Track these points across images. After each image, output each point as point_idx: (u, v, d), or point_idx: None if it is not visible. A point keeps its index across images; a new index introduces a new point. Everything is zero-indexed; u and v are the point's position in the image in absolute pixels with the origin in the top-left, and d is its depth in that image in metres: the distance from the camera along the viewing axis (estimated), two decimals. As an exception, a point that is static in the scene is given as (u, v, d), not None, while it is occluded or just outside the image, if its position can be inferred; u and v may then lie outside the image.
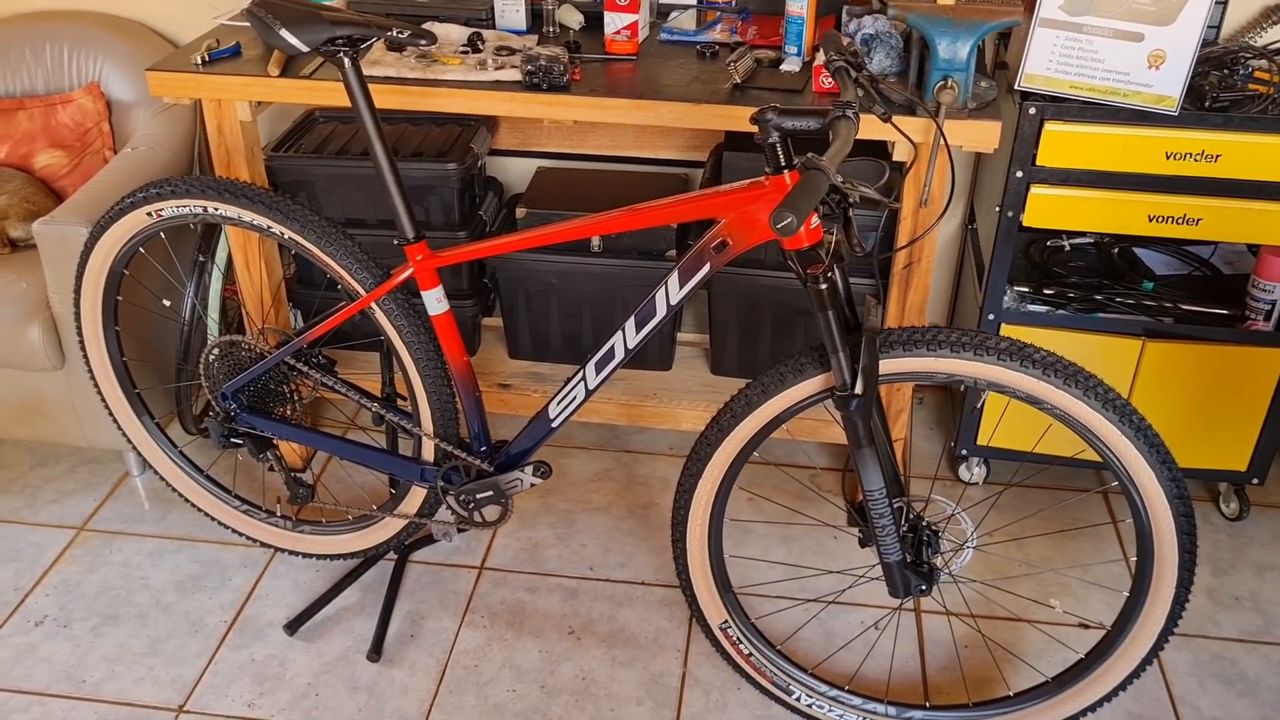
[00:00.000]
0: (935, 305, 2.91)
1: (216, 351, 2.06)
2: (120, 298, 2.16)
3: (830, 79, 2.05)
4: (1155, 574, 1.74)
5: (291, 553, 2.32)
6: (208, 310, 2.37)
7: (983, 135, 1.98)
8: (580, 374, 1.85)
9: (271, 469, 2.16)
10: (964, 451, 2.53)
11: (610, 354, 1.81)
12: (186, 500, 2.35)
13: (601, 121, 2.09)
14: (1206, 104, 2.10)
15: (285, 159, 2.41)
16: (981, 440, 2.49)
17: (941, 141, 1.93)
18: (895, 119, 1.93)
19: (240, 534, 2.34)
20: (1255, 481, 2.45)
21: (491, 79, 2.09)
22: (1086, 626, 2.23)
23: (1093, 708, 1.87)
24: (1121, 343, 2.33)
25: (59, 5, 2.78)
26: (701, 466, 1.82)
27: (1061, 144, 2.14)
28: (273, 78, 2.11)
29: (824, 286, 1.56)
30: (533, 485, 1.96)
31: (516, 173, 2.80)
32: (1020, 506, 2.54)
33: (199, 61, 2.16)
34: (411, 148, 2.45)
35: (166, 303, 2.28)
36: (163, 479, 2.34)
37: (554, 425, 1.92)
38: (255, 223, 1.93)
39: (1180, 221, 2.18)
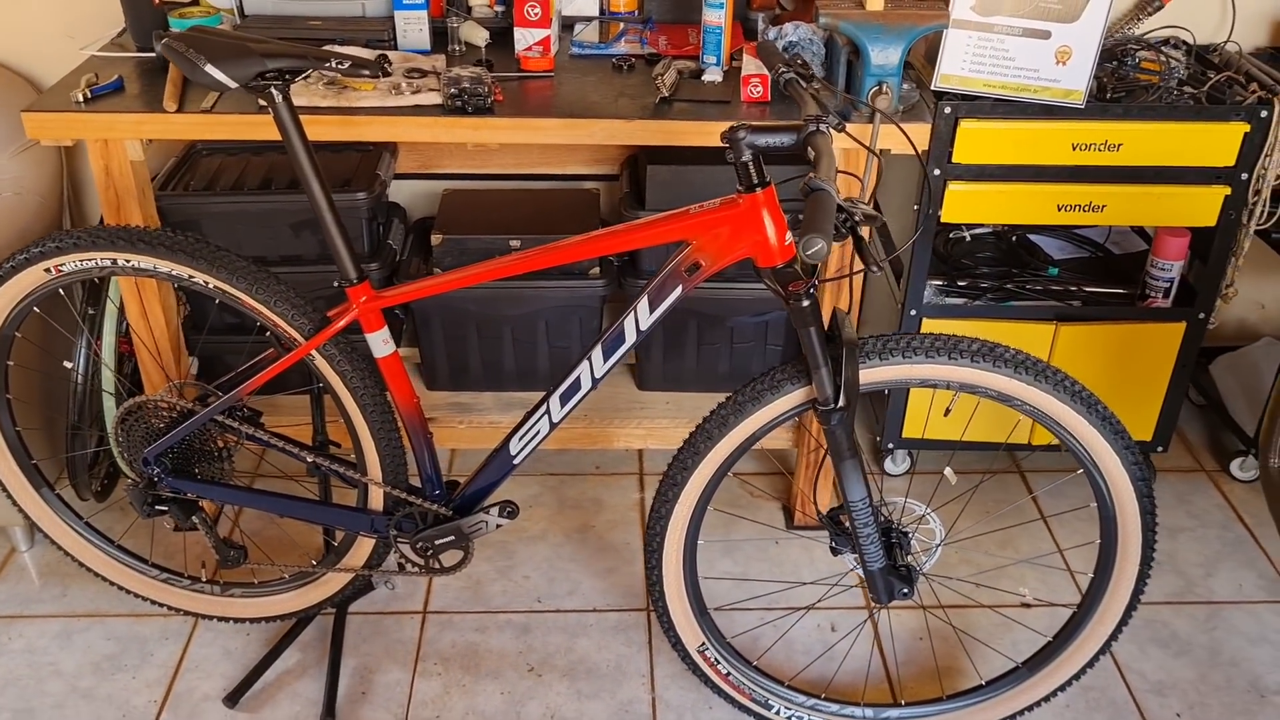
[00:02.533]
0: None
1: (130, 414, 1.90)
2: (11, 363, 1.96)
3: (758, 88, 2.04)
4: (1120, 553, 1.80)
5: (222, 619, 2.17)
6: (103, 368, 2.19)
7: (915, 137, 2.00)
8: (544, 407, 1.79)
9: (198, 533, 2.01)
10: (890, 445, 2.57)
11: (576, 385, 1.75)
12: (96, 574, 2.16)
13: (530, 143, 2.02)
14: (1107, 95, 2.19)
15: (179, 198, 2.25)
16: (906, 433, 2.54)
17: (875, 145, 1.94)
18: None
19: (161, 605, 2.17)
20: (1160, 449, 2.58)
21: (411, 104, 2.00)
22: (1028, 607, 2.31)
23: (1062, 687, 1.93)
24: (1035, 328, 2.41)
25: (-114, 40, 2.51)
26: (677, 491, 1.78)
27: (975, 140, 2.19)
28: (170, 113, 1.95)
29: (806, 304, 1.55)
30: (499, 526, 1.88)
31: (417, 196, 2.69)
32: (980, 501, 2.60)
33: (80, 99, 1.98)
34: (311, 178, 2.32)
35: (68, 364, 2.08)
36: (67, 554, 2.15)
37: (515, 462, 1.85)
38: (173, 273, 1.78)
39: (1087, 209, 2.27)
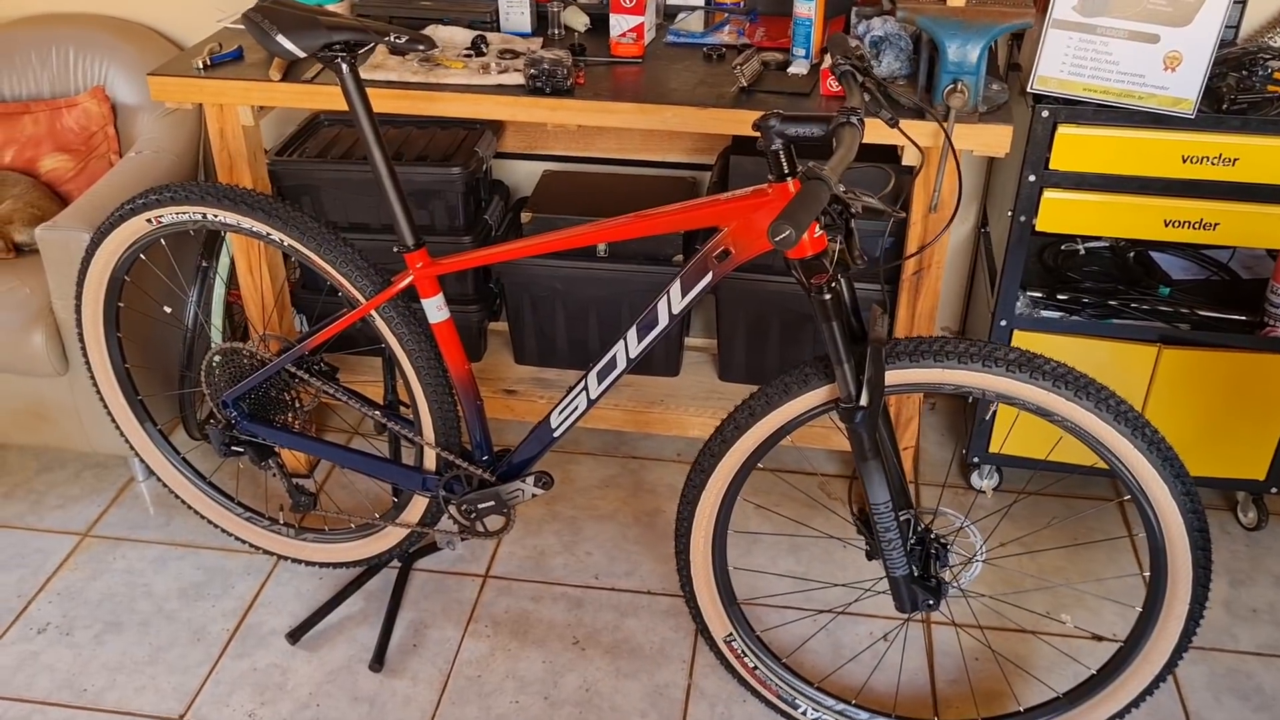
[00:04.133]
0: (949, 311, 2.87)
1: (218, 359, 2.05)
2: (122, 304, 2.14)
3: (837, 82, 2.01)
4: (1169, 588, 1.70)
5: (295, 560, 2.31)
6: (211, 316, 2.36)
7: (993, 139, 1.94)
8: (582, 383, 1.82)
9: (274, 476, 2.14)
10: (975, 459, 2.49)
11: (612, 363, 1.78)
12: (190, 507, 2.33)
13: (605, 126, 2.06)
14: (1224, 106, 2.05)
15: (288, 164, 2.40)
16: (994, 448, 2.45)
17: (949, 147, 1.89)
18: (903, 123, 1.90)
19: (244, 541, 2.33)
20: (1274, 490, 2.40)
21: (494, 83, 2.07)
22: (1100, 639, 2.19)
23: (1104, 724, 1.84)
24: (1136, 349, 2.29)
25: (64, 8, 2.77)
26: (705, 478, 1.79)
27: (1075, 147, 2.09)
28: (274, 82, 2.09)
29: (828, 297, 1.53)
30: (534, 496, 1.93)
31: (523, 176, 2.78)
32: (1033, 517, 2.50)
33: (200, 66, 2.14)
34: (416, 151, 2.43)
35: (168, 309, 2.26)
36: (166, 486, 2.33)
37: (555, 435, 1.89)
38: (254, 229, 1.91)
39: (1197, 226, 2.14)
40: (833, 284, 1.53)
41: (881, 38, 2.03)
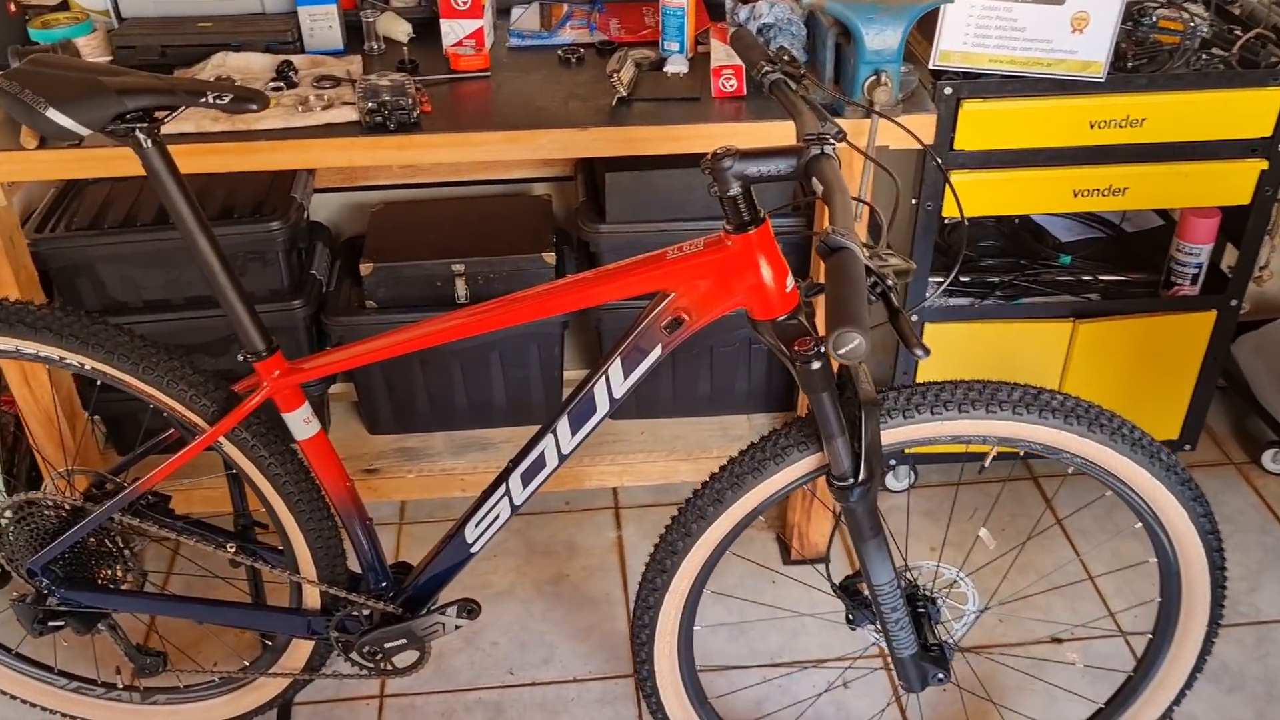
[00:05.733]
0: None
1: (9, 515, 1.59)
2: None
3: (732, 81, 1.73)
4: (1184, 613, 1.55)
5: (145, 729, 1.87)
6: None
7: (917, 129, 1.71)
8: (503, 488, 1.49)
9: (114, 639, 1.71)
10: (891, 460, 2.31)
11: (540, 463, 1.46)
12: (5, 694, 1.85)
13: (467, 160, 1.71)
14: (1129, 65, 1.90)
15: (55, 241, 1.91)
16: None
17: (872, 149, 1.66)
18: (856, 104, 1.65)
19: (73, 719, 1.87)
20: (1188, 448, 2.34)
21: (320, 123, 1.67)
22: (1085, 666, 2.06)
23: (1116, 757, 1.69)
24: (1051, 327, 2.15)
25: None
26: (666, 580, 1.50)
27: (980, 124, 1.90)
28: (30, 150, 1.62)
29: (817, 366, 1.25)
30: (457, 629, 1.60)
31: (345, 211, 2.36)
32: (979, 518, 2.34)
33: (-81, 137, 1.64)
34: (217, 205, 1.99)
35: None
36: (-41, 671, 1.84)
37: (473, 551, 1.55)
38: (42, 354, 1.46)
39: (1107, 193, 2.00)
40: (820, 348, 1.26)
41: (770, 24, 1.76)
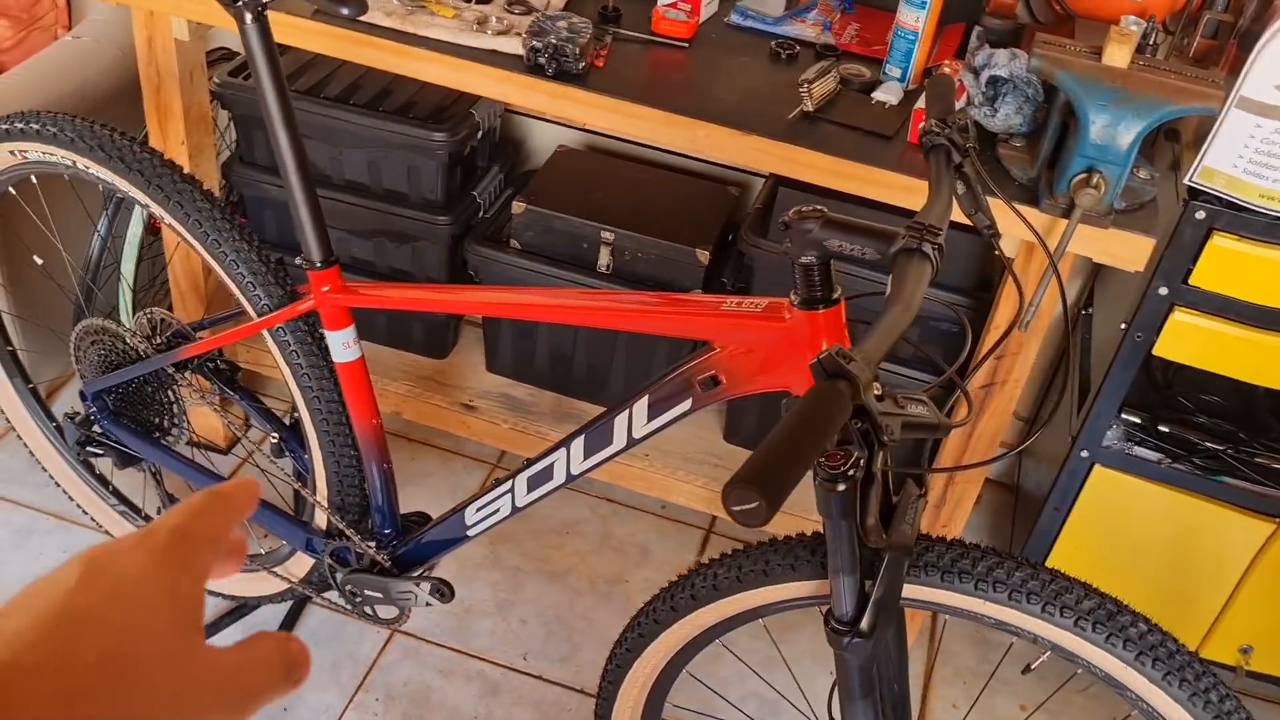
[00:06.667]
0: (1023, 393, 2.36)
1: (88, 335, 1.62)
2: (-8, 236, 1.71)
3: (924, 156, 1.49)
4: None
5: (167, 573, 1.91)
6: (122, 260, 1.93)
7: (1125, 250, 1.43)
8: (509, 484, 1.37)
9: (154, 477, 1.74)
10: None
11: (547, 474, 1.32)
12: (58, 485, 1.93)
13: (614, 131, 1.56)
14: None
15: (238, 87, 1.92)
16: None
17: (1062, 250, 1.38)
18: (999, 199, 1.39)
19: (112, 536, 1.93)
20: (1378, 717, 1.91)
21: (485, 46, 1.57)
22: None
23: None
24: (1248, 521, 1.79)
25: None
26: (640, 645, 1.34)
27: (1230, 264, 1.57)
28: (211, -4, 1.61)
29: (842, 488, 1.04)
30: (428, 605, 1.50)
31: (544, 141, 2.27)
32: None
33: (131, -47, 1.67)
34: (402, 100, 1.95)
35: (38, 260, 1.82)
36: (31, 453, 1.93)
37: (469, 535, 1.45)
38: (131, 196, 1.46)
39: (1369, 394, 1.62)
40: (850, 470, 1.04)
41: (1005, 79, 1.50)
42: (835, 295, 1.06)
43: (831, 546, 1.10)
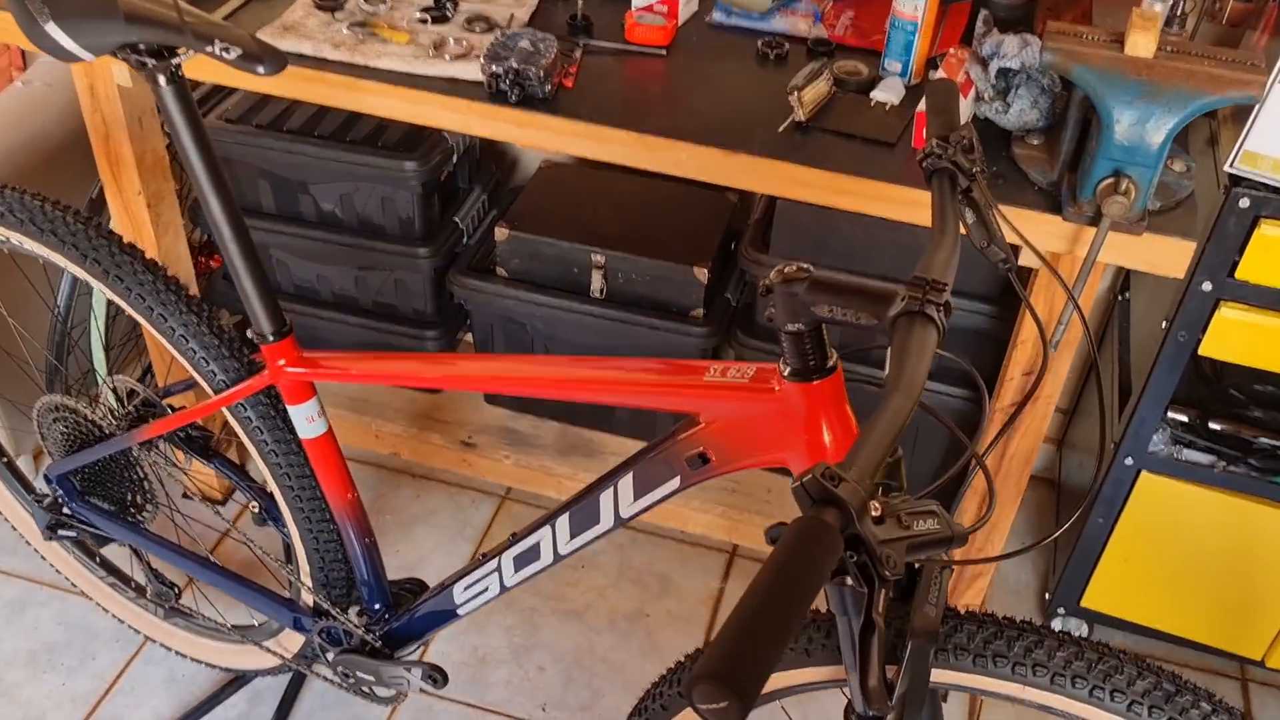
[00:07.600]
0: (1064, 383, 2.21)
1: (49, 412, 1.52)
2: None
3: (925, 180, 1.35)
4: None
5: (163, 645, 1.82)
6: (92, 317, 1.83)
7: (1161, 256, 1.28)
8: (495, 563, 1.25)
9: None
10: (1060, 609, 1.89)
11: (534, 553, 1.20)
12: (42, 557, 1.84)
13: (593, 157, 1.43)
14: None
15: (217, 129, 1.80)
16: (1088, 601, 1.85)
17: (1091, 262, 1.24)
18: (1010, 226, 1.25)
19: (104, 609, 1.84)
20: None
21: (444, 74, 1.44)
22: None
23: None
24: (1307, 525, 1.64)
25: None
26: (651, 729, 1.23)
27: (1279, 254, 1.42)
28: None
29: (864, 590, 0.91)
30: (421, 691, 1.39)
31: (529, 152, 2.14)
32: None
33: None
34: (371, 125, 1.82)
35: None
36: (11, 526, 1.84)
37: (458, 614, 1.33)
38: (70, 271, 1.34)
39: None
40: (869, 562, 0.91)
41: (1016, 71, 1.35)
42: (830, 363, 0.93)
43: (845, 644, 0.97)
